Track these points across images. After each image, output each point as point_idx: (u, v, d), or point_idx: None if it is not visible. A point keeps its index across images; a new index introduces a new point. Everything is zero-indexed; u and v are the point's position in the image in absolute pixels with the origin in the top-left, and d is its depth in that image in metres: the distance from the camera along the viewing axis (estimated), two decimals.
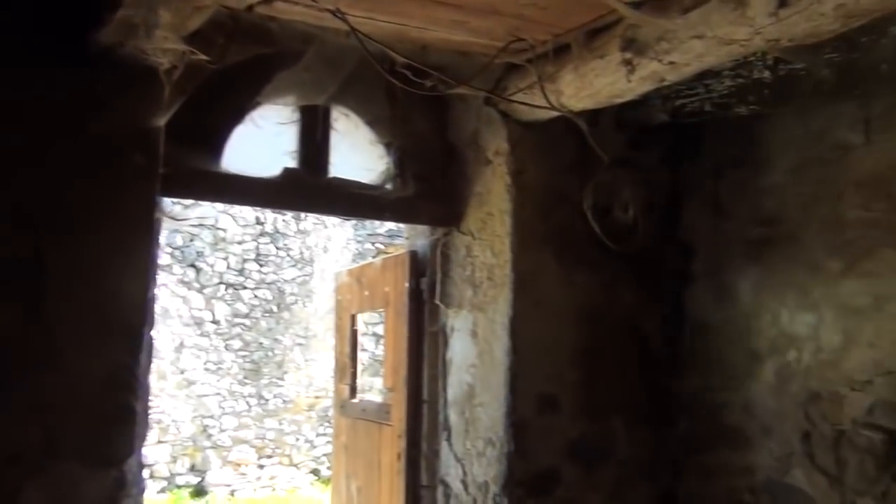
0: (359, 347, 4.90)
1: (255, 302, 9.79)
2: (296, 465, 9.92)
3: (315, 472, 9.97)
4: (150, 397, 2.85)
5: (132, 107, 2.65)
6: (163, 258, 9.06)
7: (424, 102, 3.58)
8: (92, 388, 2.55)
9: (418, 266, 3.85)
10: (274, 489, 9.61)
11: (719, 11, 2.15)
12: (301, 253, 10.26)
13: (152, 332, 2.78)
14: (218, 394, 9.45)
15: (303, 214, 9.83)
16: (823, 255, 3.06)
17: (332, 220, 10.36)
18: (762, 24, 2.04)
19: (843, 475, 2.95)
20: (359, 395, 4.82)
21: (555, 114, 3.09)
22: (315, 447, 10.03)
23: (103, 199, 2.61)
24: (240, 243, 9.71)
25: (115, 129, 2.63)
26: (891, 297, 2.83)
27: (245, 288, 9.74)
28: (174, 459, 9.13)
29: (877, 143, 2.92)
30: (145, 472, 8.64)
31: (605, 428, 3.48)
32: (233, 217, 9.67)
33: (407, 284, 3.83)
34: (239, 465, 9.49)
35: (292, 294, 10.07)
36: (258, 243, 9.87)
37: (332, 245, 10.50)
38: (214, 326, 9.49)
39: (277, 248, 10.02)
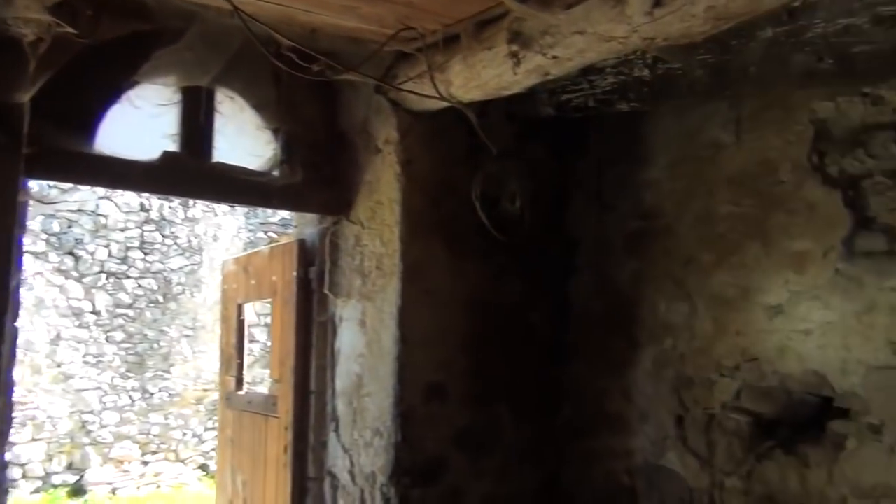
0: (250, 339, 4.79)
1: (140, 292, 9.37)
2: (182, 461, 9.59)
3: (203, 467, 9.67)
4: (15, 392, 2.67)
5: None
6: (37, 245, 8.53)
7: (314, 88, 3.52)
8: None
9: (307, 255, 3.79)
10: (159, 486, 9.26)
11: (599, 9, 2.20)
12: (189, 241, 9.90)
13: (17, 323, 2.61)
14: (98, 388, 8.99)
15: (191, 201, 9.48)
16: (697, 248, 3.21)
17: (222, 208, 10.05)
18: (639, 22, 2.11)
19: (712, 457, 3.11)
20: (248, 388, 4.71)
21: (445, 104, 3.09)
22: (203, 442, 9.73)
23: None
24: (122, 230, 9.26)
25: None
26: (756, 288, 3.00)
27: (128, 277, 9.30)
28: (50, 458, 8.63)
29: (746, 141, 3.08)
30: (15, 472, 8.18)
31: (492, 416, 3.53)
32: (115, 203, 9.21)
33: (295, 273, 3.76)
34: (121, 462, 9.09)
35: (179, 284, 9.70)
36: (143, 230, 9.44)
37: (223, 233, 10.18)
38: (94, 317, 9.02)
39: (164, 236, 9.62)
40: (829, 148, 2.84)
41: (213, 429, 9.41)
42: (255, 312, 9.08)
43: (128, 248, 9.30)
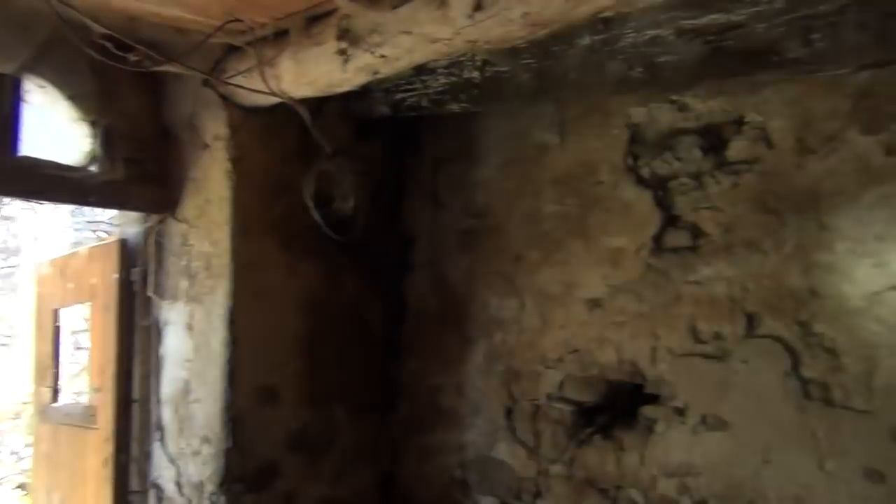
0: (76, 346, 4.45)
1: None
2: None
3: (23, 486, 8.91)
4: None
5: None
6: None
7: (138, 80, 3.34)
8: None
9: (129, 256, 3.58)
10: None
11: (424, 9, 2.23)
12: (5, 242, 9.11)
13: None
14: None
15: (5, 199, 8.72)
16: (525, 246, 3.33)
17: (44, 206, 9.32)
18: (462, 25, 2.16)
19: (538, 446, 3.24)
20: (69, 398, 4.38)
21: (277, 100, 3.03)
22: (22, 459, 8.98)
23: None
24: None
25: None
26: (578, 283, 3.15)
27: None
28: None
29: (570, 144, 3.24)
30: None
31: (327, 416, 3.50)
32: None
33: (116, 275, 3.54)
34: None
35: None
36: None
37: (45, 234, 9.45)
38: None
39: None
40: (642, 151, 3.04)
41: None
42: (84, 318, 8.48)
43: None
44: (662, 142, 3.00)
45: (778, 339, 2.67)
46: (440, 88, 3.14)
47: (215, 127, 3.29)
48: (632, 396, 3.05)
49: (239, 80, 3.05)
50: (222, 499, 3.15)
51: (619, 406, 3.10)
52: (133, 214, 3.63)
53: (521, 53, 2.78)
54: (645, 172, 3.03)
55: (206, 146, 3.33)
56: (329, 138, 3.32)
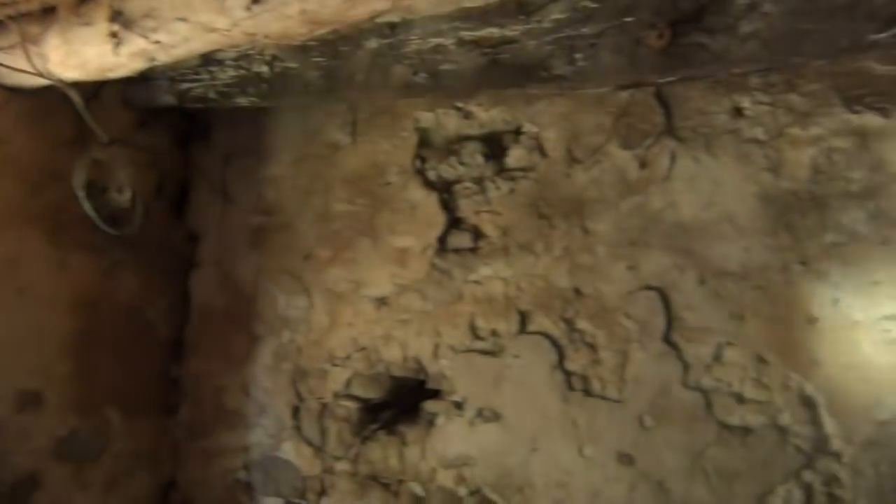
0: None
1: None
2: None
3: None
4: None
5: None
6: None
7: None
8: None
9: None
10: None
11: None
12: None
13: None
14: None
15: None
16: (315, 244, 3.32)
17: None
18: (239, 16, 2.11)
19: (324, 444, 3.25)
20: None
21: (46, 81, 2.79)
22: None
23: None
24: None
25: None
26: (366, 282, 3.19)
27: None
28: None
29: (360, 144, 3.27)
30: None
31: (99, 421, 3.28)
32: None
33: None
34: None
35: None
36: None
37: None
38: None
39: None
40: (430, 154, 3.14)
41: None
42: None
43: None
44: (448, 147, 3.12)
45: (546, 336, 2.86)
46: (228, 81, 3.05)
47: None
48: (415, 392, 3.14)
49: (1, 57, 2.78)
50: None
51: (404, 402, 3.18)
52: None
53: (311, 51, 2.78)
54: (432, 175, 3.13)
55: None
56: (106, 126, 3.12)
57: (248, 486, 3.38)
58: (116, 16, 2.41)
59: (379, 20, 2.54)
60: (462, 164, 3.07)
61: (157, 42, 2.35)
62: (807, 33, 2.05)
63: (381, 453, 3.15)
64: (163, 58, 2.50)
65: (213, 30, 2.22)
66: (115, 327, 3.36)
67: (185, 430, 3.55)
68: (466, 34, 2.51)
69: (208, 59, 2.97)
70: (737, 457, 2.55)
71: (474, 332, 2.99)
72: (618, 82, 2.47)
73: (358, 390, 3.21)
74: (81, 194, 3.10)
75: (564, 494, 2.80)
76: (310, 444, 3.27)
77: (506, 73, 2.54)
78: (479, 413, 2.97)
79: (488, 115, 3.03)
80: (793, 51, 2.09)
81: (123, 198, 3.25)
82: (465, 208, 3.05)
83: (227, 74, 3.03)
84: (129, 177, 3.25)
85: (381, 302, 3.17)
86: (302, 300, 3.33)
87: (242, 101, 3.08)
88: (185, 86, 3.14)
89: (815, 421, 2.46)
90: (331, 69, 2.81)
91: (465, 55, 2.55)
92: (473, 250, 3.02)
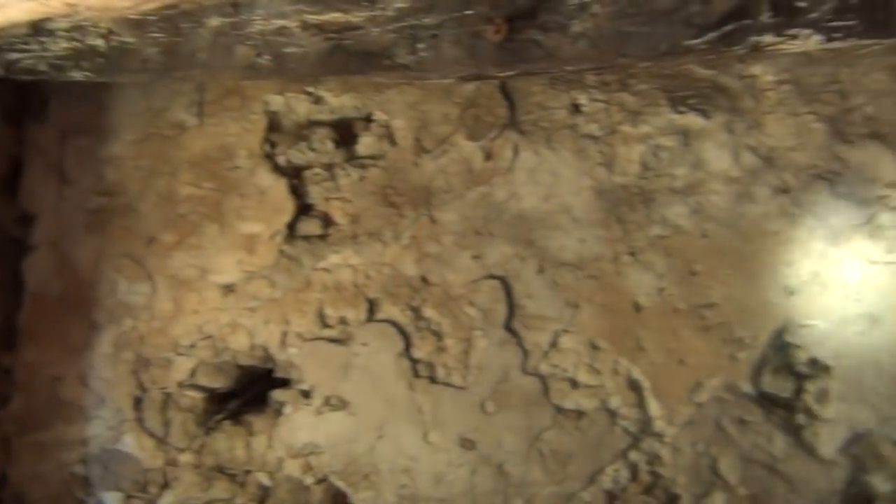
0: None
1: None
2: None
3: None
4: None
5: None
6: None
7: None
8: None
9: None
10: None
11: None
12: None
13: None
14: None
15: None
16: (159, 228, 3.18)
17: None
18: None
19: (167, 435, 3.14)
20: None
21: None
22: None
23: None
24: None
25: None
26: (212, 268, 3.10)
27: None
28: None
29: (208, 125, 3.16)
30: None
31: None
32: None
33: None
34: None
35: None
36: None
37: None
38: None
39: None
40: (280, 139, 3.08)
41: None
42: None
43: None
44: (299, 132, 3.07)
45: (393, 323, 2.88)
46: (61, 53, 2.86)
47: None
48: (263, 381, 3.09)
49: None
50: None
51: (251, 391, 3.13)
52: None
53: (149, 27, 2.65)
54: (281, 160, 3.06)
55: None
56: None
57: (86, 480, 3.22)
58: None
59: None
60: (312, 149, 3.03)
61: None
62: (630, 35, 2.14)
63: (227, 444, 3.08)
64: None
65: None
66: None
67: (17, 423, 3.33)
68: (311, 17, 2.47)
69: (39, 29, 2.79)
70: (571, 439, 2.67)
71: (322, 320, 2.97)
72: (459, 74, 2.49)
73: (203, 380, 3.12)
74: None
75: (409, 480, 2.84)
76: (152, 435, 3.15)
77: (350, 59, 2.51)
78: (327, 401, 2.95)
79: (339, 101, 3.00)
80: (618, 51, 2.18)
81: None
82: (315, 195, 3.01)
83: (60, 46, 2.85)
84: None
85: (228, 289, 3.09)
86: (144, 286, 3.20)
87: (77, 75, 2.90)
88: (14, 56, 2.92)
89: (641, 404, 2.61)
90: (171, 46, 2.69)
91: (309, 39, 2.51)
92: (323, 237, 2.99)
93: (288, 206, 3.02)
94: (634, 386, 2.61)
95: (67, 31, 2.78)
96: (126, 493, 3.19)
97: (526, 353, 2.72)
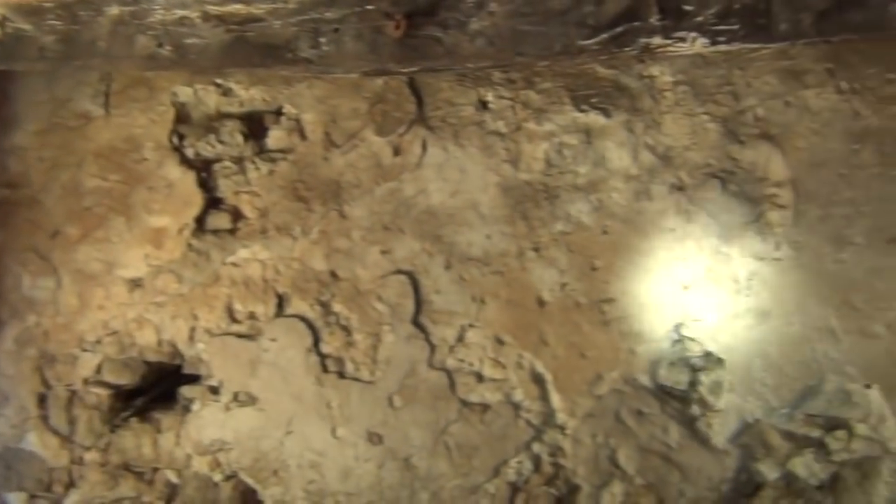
0: None
1: None
2: None
3: None
4: None
5: None
6: None
7: None
8: None
9: None
10: None
11: None
12: None
13: None
14: None
15: None
16: (63, 221, 3.10)
17: None
18: None
19: (73, 433, 3.06)
20: None
21: None
22: None
23: None
24: None
25: None
26: (119, 262, 3.03)
27: None
28: None
29: (115, 116, 3.08)
30: None
31: None
32: None
33: None
34: None
35: None
36: None
37: None
38: None
39: None
40: (188, 131, 3.02)
41: None
42: None
43: None
44: (208, 124, 3.02)
45: (303, 319, 2.87)
46: None
47: None
48: (172, 377, 3.05)
49: None
50: None
51: (159, 388, 3.08)
52: None
53: (46, 14, 2.58)
54: (190, 153, 3.01)
55: None
56: None
57: None
58: None
59: None
60: (221, 142, 2.98)
61: None
62: (526, 34, 2.17)
63: (134, 441, 3.02)
64: None
65: None
66: None
67: None
68: (212, 8, 2.43)
69: None
70: (476, 432, 2.70)
71: (231, 315, 2.94)
72: (362, 69, 2.48)
73: (109, 376, 3.05)
74: None
75: (317, 475, 2.84)
76: (57, 433, 3.07)
77: (253, 51, 2.48)
78: (235, 397, 2.92)
79: (248, 94, 2.96)
80: (515, 50, 2.20)
81: None
82: (225, 188, 2.97)
83: None
84: None
85: (135, 283, 3.03)
86: (49, 281, 3.11)
87: None
88: None
89: (544, 397, 2.66)
90: (69, 34, 2.62)
91: (210, 30, 2.47)
92: (232, 232, 2.95)
93: (196, 200, 2.97)
94: (538, 379, 2.65)
95: None
96: (30, 493, 3.11)
97: (433, 347, 2.74)
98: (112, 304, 3.04)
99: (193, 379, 3.00)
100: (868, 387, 2.39)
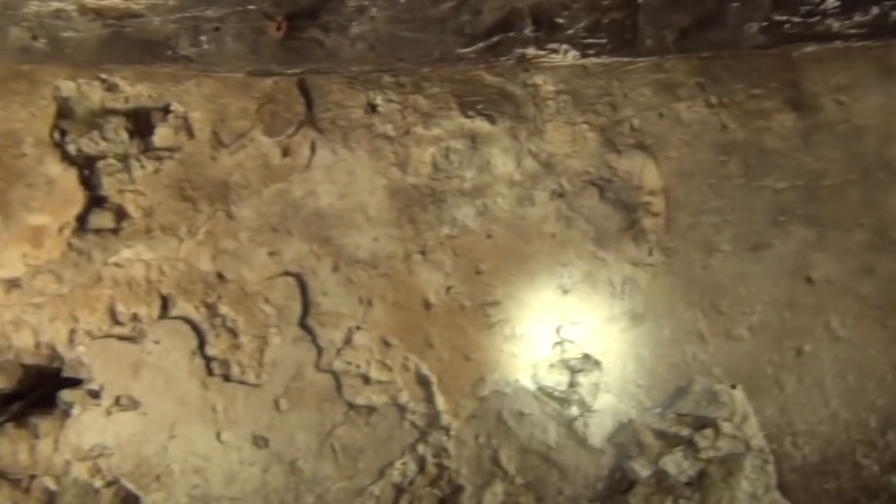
0: None
1: None
2: None
3: None
4: None
5: None
6: None
7: None
8: None
9: None
10: None
11: None
12: None
13: None
14: None
15: None
16: None
17: None
18: None
19: None
20: None
21: None
22: None
23: None
24: None
25: None
26: None
27: None
28: None
29: None
30: None
31: None
32: None
33: None
34: None
35: None
36: None
37: None
38: None
39: None
40: (71, 127, 2.92)
41: None
42: None
43: None
44: (91, 120, 2.92)
45: (188, 321, 2.81)
46: None
47: None
48: (51, 381, 2.94)
49: None
50: None
51: (37, 392, 2.96)
52: None
53: None
54: (72, 149, 2.91)
55: None
56: None
57: None
58: None
59: None
60: (105, 139, 2.89)
61: None
62: (406, 40, 2.19)
63: (10, 448, 2.90)
64: None
65: None
66: None
67: None
68: (89, 1, 2.36)
69: None
70: (361, 434, 2.71)
71: (113, 317, 2.86)
72: (244, 69, 2.47)
73: None
74: None
75: (201, 480, 2.79)
76: None
77: (131, 47, 2.44)
78: (117, 401, 2.84)
79: (134, 90, 2.89)
80: (395, 55, 2.23)
81: None
82: (108, 186, 2.89)
83: None
84: None
85: (12, 284, 2.90)
86: None
87: None
88: None
89: (429, 399, 2.68)
90: None
91: (87, 24, 2.41)
92: (115, 231, 2.87)
93: (78, 198, 2.88)
94: (423, 381, 2.68)
95: None
96: None
97: (320, 350, 2.73)
98: None
99: (73, 383, 2.90)
100: (733, 387, 2.51)
